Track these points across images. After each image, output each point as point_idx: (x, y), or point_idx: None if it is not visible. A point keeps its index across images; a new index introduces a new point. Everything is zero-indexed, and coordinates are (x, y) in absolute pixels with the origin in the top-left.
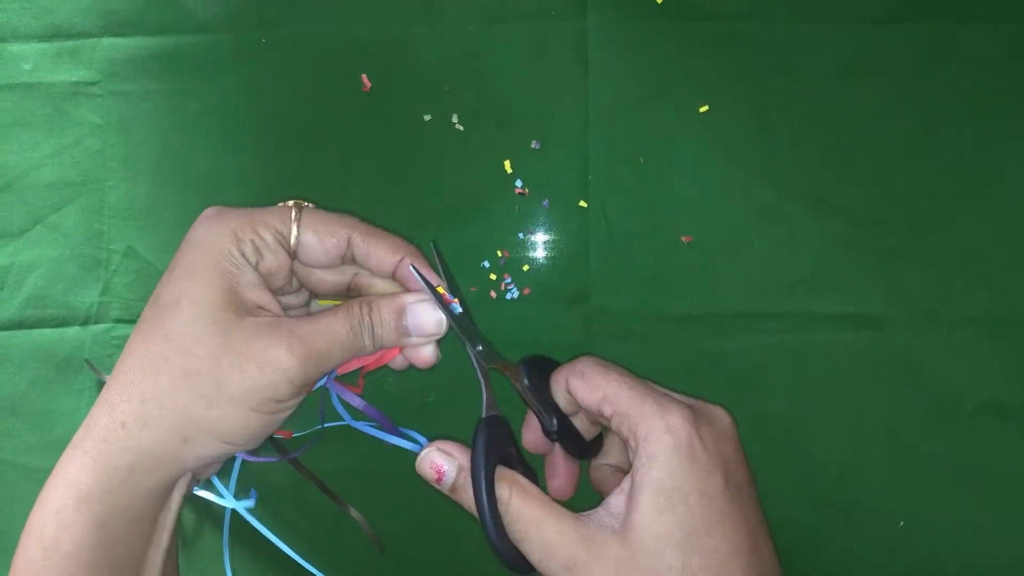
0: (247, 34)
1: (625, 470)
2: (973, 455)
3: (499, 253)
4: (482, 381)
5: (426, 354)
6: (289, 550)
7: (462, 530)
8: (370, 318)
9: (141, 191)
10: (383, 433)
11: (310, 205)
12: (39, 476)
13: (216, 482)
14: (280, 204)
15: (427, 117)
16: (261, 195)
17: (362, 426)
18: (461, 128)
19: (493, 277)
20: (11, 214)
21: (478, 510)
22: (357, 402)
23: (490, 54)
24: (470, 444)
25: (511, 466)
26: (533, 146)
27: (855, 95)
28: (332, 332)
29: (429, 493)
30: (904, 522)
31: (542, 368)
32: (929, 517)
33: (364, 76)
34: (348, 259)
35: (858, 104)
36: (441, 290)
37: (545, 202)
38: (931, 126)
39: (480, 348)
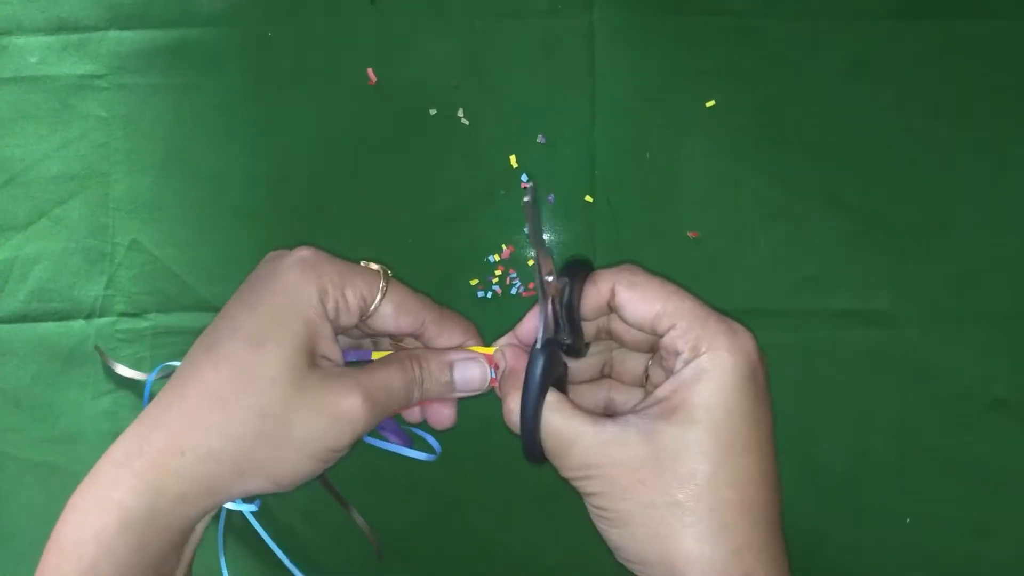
0: (253, 28)
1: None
2: (982, 454)
3: (504, 247)
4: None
5: (446, 415)
6: (283, 555)
7: (463, 532)
8: (420, 373)
9: (146, 184)
10: (396, 446)
11: (389, 272)
12: (42, 471)
13: None
14: (364, 263)
15: (433, 111)
16: (266, 189)
17: (374, 441)
18: (467, 123)
19: (498, 272)
20: (16, 207)
21: (522, 419)
22: None
23: (497, 49)
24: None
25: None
26: (539, 141)
27: (863, 92)
28: (391, 385)
29: (429, 493)
30: (911, 520)
31: (575, 273)
32: (936, 516)
33: (370, 70)
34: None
35: (866, 100)
36: (492, 349)
37: (551, 197)
38: (940, 123)
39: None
